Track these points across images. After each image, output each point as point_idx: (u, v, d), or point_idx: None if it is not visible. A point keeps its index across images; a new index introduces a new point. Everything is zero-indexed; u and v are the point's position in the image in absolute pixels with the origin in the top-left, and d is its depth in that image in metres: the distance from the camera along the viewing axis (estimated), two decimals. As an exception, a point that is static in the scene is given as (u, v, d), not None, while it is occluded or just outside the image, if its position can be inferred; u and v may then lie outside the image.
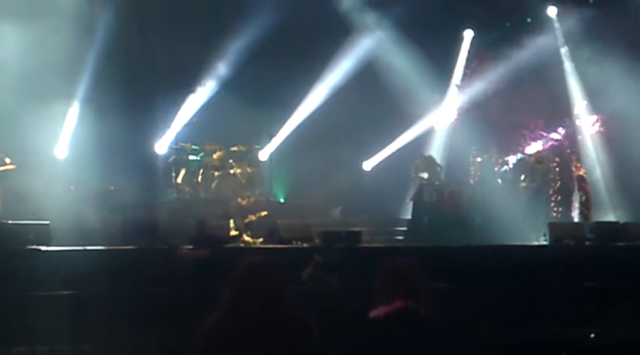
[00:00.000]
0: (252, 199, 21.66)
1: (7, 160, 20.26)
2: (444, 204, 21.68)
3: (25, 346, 13.07)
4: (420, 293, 5.49)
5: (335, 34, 25.36)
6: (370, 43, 25.84)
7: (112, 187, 21.69)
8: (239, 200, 20.94)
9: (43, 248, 15.98)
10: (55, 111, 21.99)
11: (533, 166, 23.04)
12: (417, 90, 25.06)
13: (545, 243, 19.46)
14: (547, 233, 19.49)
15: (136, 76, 22.61)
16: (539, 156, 23.80)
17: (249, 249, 17.73)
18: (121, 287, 14.05)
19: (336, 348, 5.28)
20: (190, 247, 15.49)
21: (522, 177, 22.84)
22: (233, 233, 19.51)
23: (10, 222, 17.10)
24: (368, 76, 25.48)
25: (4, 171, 20.36)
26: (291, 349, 4.86)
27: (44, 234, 16.34)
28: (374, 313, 5.45)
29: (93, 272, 14.36)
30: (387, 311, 5.40)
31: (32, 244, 16.00)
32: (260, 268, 5.08)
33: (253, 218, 20.09)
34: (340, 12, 25.45)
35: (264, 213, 20.37)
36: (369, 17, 25.63)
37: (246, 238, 19.48)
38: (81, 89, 22.86)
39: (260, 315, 4.85)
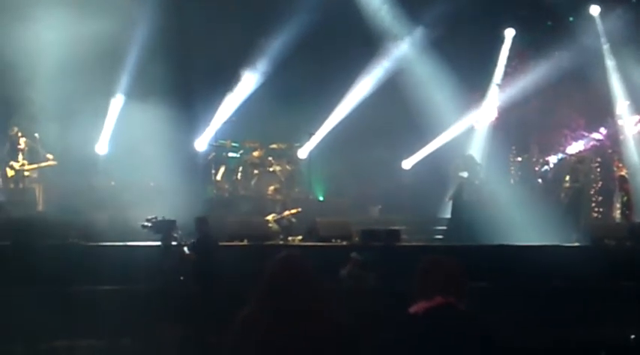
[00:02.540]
0: (290, 196, 21.71)
1: (49, 156, 20.44)
2: (483, 204, 21.62)
3: (65, 340, 13.19)
4: (460, 289, 5.46)
5: (375, 33, 25.31)
6: (411, 42, 25.77)
7: (151, 184, 21.80)
8: (277, 197, 20.97)
9: (84, 243, 16.13)
10: (96, 108, 22.16)
11: (575, 166, 22.87)
12: (458, 89, 24.91)
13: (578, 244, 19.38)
14: (580, 235, 19.48)
15: (177, 73, 22.71)
16: (580, 157, 23.62)
17: (289, 247, 17.74)
18: (160, 282, 14.14)
19: (376, 344, 5.26)
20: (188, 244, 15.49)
21: (567, 177, 22.61)
22: (272, 227, 19.56)
23: (51, 217, 17.29)
24: (408, 74, 25.42)
25: (46, 167, 20.54)
26: (322, 344, 4.85)
27: (85, 230, 16.48)
28: (414, 309, 5.43)
29: (133, 268, 14.48)
30: (427, 307, 5.38)
31: (73, 239, 16.15)
32: (293, 262, 5.08)
33: (286, 214, 20.12)
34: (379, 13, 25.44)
35: (296, 210, 20.38)
36: (411, 16, 25.54)
37: (274, 227, 19.53)
38: (122, 86, 22.98)
39: (291, 309, 4.85)
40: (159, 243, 15.00)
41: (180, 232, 15.47)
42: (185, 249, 15.04)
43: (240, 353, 4.87)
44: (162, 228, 15.24)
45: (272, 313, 4.86)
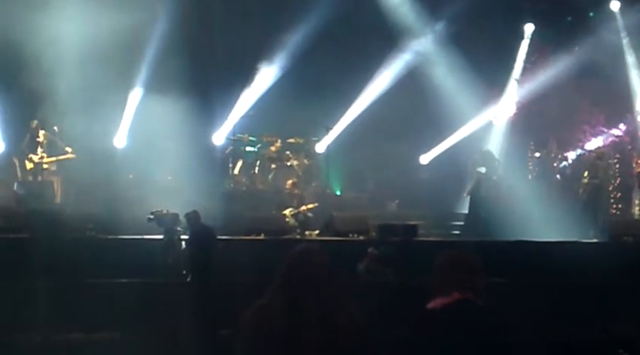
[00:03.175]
0: (307, 191, 21.70)
1: (68, 149, 20.51)
2: (501, 199, 21.56)
3: (82, 332, 13.23)
4: (478, 285, 5.44)
5: (394, 28, 25.26)
6: (430, 36, 25.71)
7: (169, 178, 21.83)
8: (295, 191, 20.96)
9: (102, 236, 16.17)
10: (115, 101, 22.19)
11: (594, 162, 22.76)
12: (476, 84, 24.84)
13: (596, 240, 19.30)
14: (598, 231, 19.40)
15: (195, 66, 22.72)
16: (600, 152, 23.49)
17: (306, 241, 17.74)
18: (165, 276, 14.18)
19: (394, 339, 5.25)
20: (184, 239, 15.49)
21: (586, 173, 22.50)
22: (290, 222, 19.57)
23: (69, 210, 17.33)
24: (426, 69, 25.39)
25: (64, 160, 20.61)
26: (336, 338, 4.83)
27: (103, 223, 16.54)
28: (431, 304, 5.41)
29: (151, 261, 14.51)
30: (445, 303, 5.36)
31: (91, 232, 16.20)
32: (310, 254, 5.06)
33: (303, 209, 20.12)
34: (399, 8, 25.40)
35: (313, 205, 20.38)
36: (430, 11, 25.48)
37: (291, 222, 19.55)
38: (140, 79, 23.02)
39: (306, 302, 4.83)
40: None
41: (183, 226, 15.52)
42: (182, 243, 15.08)
43: (253, 346, 4.85)
44: (166, 221, 15.28)
45: (287, 305, 4.84)
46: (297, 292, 4.86)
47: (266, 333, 4.80)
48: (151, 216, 15.22)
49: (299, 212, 20.04)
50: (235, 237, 17.41)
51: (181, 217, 15.33)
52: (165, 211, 15.25)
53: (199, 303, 13.40)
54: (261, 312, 4.88)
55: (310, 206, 20.28)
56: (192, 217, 15.43)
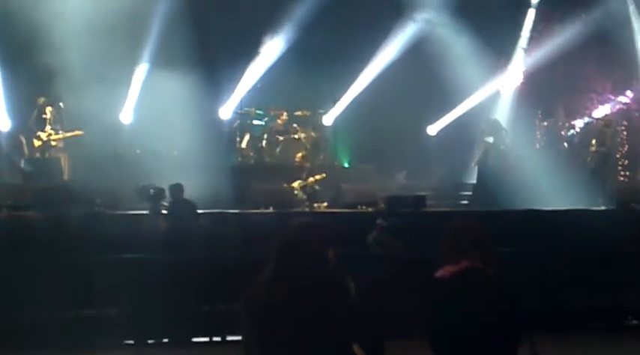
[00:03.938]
0: (315, 164, 21.70)
1: (78, 133, 20.56)
2: (509, 168, 21.53)
3: (91, 308, 13.27)
4: (487, 253, 5.45)
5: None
6: (437, 6, 25.57)
7: (175, 152, 21.82)
8: (305, 164, 20.95)
9: (110, 211, 16.20)
10: (121, 76, 22.15)
11: (601, 130, 22.69)
12: (483, 54, 24.76)
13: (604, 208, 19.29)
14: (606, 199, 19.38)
15: (201, 40, 22.67)
16: (607, 120, 23.42)
17: (314, 214, 17.75)
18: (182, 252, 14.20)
19: (403, 309, 5.24)
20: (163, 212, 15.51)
21: (593, 141, 22.43)
22: (298, 195, 19.59)
23: (77, 186, 17.36)
24: (433, 40, 25.30)
25: (71, 137, 20.63)
26: (327, 311, 4.81)
27: (111, 198, 16.56)
28: (440, 273, 5.43)
29: (158, 237, 14.53)
30: (454, 271, 5.37)
31: (99, 207, 16.23)
32: (303, 230, 5.03)
33: (311, 181, 20.13)
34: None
35: (320, 176, 20.37)
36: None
37: (299, 194, 19.57)
38: (147, 53, 22.98)
39: (300, 278, 4.81)
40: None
41: (170, 200, 15.55)
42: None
43: (254, 322, 4.85)
44: (152, 196, 15.31)
45: (281, 280, 4.83)
46: (290, 270, 4.84)
47: (265, 309, 4.79)
48: (139, 190, 15.29)
49: (307, 184, 20.05)
50: (244, 211, 17.43)
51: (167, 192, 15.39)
52: (151, 185, 15.30)
53: (174, 278, 13.43)
54: (260, 289, 4.87)
55: (318, 177, 20.26)
56: (174, 190, 15.43)
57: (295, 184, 19.93)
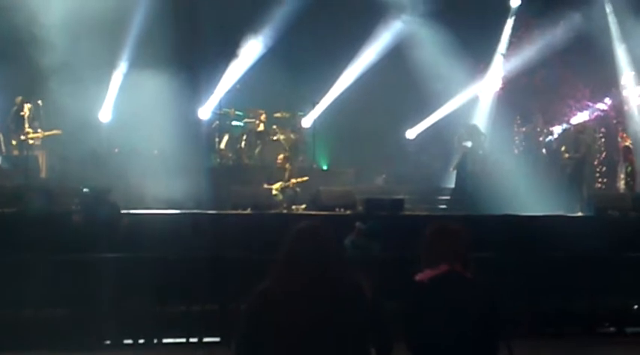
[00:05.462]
0: (294, 164, 21.67)
1: (57, 132, 20.50)
2: (487, 173, 21.60)
3: (67, 308, 13.22)
4: (466, 257, 5.45)
5: (380, 1, 25.20)
6: (416, 10, 25.63)
7: (155, 152, 21.75)
8: (286, 165, 20.91)
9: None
10: (100, 75, 22.07)
11: (576, 136, 22.76)
12: (462, 58, 24.82)
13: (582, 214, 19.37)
14: (583, 205, 19.45)
15: (181, 40, 22.61)
16: (582, 126, 23.51)
17: (293, 216, 17.74)
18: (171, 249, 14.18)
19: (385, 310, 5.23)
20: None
21: (563, 148, 22.52)
22: (277, 196, 19.58)
23: (55, 184, 17.25)
24: (413, 43, 25.36)
25: (50, 135, 20.55)
26: (343, 314, 4.80)
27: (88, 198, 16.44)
28: (419, 276, 5.42)
29: (137, 235, 14.48)
30: (433, 275, 5.37)
31: (76, 207, 16.11)
32: (315, 232, 5.00)
33: (294, 182, 20.12)
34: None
35: (304, 178, 20.38)
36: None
37: (279, 196, 19.57)
38: (126, 53, 22.91)
39: (313, 280, 4.79)
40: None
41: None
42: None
43: (257, 327, 4.81)
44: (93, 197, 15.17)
45: (291, 283, 4.79)
46: (301, 271, 4.81)
47: (270, 316, 4.75)
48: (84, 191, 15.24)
49: (288, 186, 20.03)
50: (221, 212, 17.40)
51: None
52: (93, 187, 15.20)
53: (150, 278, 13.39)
54: (264, 294, 4.83)
55: (300, 180, 20.26)
56: (99, 191, 15.24)
57: (277, 185, 19.92)
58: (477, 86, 26.53)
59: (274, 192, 19.68)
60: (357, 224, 15.25)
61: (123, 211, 14.97)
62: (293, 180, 20.12)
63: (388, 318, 4.97)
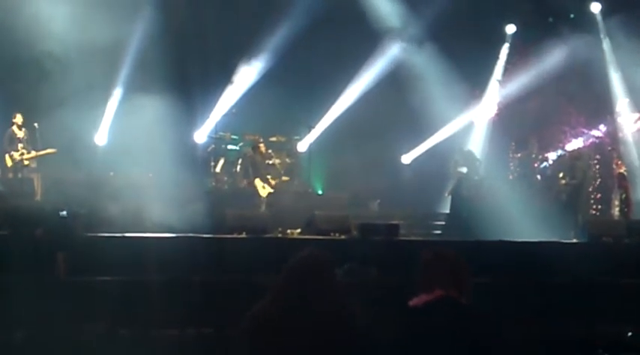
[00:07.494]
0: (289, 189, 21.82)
1: (51, 151, 20.52)
2: (482, 198, 21.64)
3: (63, 329, 13.16)
4: (462, 283, 5.46)
5: (376, 27, 25.29)
6: (412, 37, 25.74)
7: (150, 175, 21.76)
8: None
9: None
10: (96, 98, 22.12)
11: (572, 163, 22.84)
12: (458, 84, 24.90)
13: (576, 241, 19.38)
14: (578, 232, 19.46)
15: (177, 64, 22.68)
16: (577, 153, 23.58)
17: (288, 240, 17.74)
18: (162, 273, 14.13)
19: (377, 337, 5.25)
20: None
21: (561, 174, 22.59)
22: (262, 191, 19.83)
23: (50, 207, 17.23)
24: (408, 69, 25.44)
25: (45, 155, 20.56)
26: (332, 341, 4.83)
27: (83, 221, 16.43)
28: (414, 301, 5.43)
29: (133, 259, 14.45)
30: (428, 300, 5.38)
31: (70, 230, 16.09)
32: (313, 259, 5.03)
33: (276, 180, 20.33)
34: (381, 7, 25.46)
35: (285, 178, 20.56)
36: (412, 11, 25.51)
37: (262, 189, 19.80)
38: (122, 77, 22.97)
39: (305, 306, 4.81)
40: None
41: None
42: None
43: (250, 348, 4.83)
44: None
45: (286, 308, 4.82)
46: (296, 297, 4.84)
47: (264, 338, 4.77)
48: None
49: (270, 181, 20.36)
50: (217, 236, 17.37)
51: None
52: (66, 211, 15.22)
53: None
54: (257, 318, 4.86)
55: (284, 179, 20.52)
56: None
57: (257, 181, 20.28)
58: (473, 112, 26.58)
59: (258, 187, 20.00)
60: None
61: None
62: (276, 178, 20.49)
63: (379, 345, 4.98)
